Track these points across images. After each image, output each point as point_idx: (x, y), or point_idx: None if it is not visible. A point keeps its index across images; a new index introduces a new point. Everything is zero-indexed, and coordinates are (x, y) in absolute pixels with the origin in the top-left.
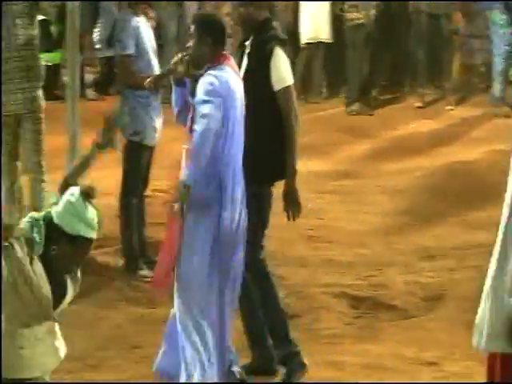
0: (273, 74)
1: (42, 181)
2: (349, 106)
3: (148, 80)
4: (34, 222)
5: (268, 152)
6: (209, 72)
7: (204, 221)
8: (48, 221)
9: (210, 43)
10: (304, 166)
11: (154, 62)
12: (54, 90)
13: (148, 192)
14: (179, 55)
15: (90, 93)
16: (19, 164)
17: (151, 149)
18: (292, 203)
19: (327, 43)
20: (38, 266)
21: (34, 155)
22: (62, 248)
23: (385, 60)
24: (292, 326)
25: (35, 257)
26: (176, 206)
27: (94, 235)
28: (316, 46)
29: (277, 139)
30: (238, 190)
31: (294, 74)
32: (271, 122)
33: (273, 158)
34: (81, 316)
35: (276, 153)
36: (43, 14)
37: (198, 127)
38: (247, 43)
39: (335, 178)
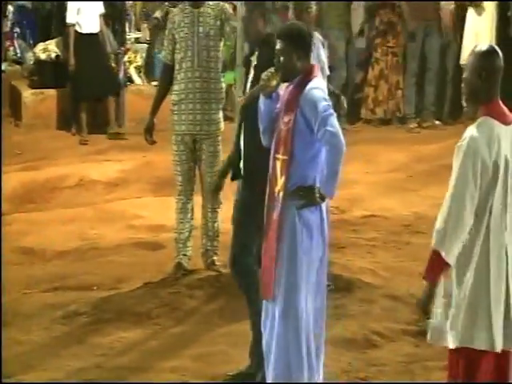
0: None
1: (217, 202)
2: None
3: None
4: None
5: None
6: (314, 85)
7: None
8: None
9: (302, 56)
10: None
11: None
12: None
13: None
14: (271, 69)
15: None
16: (193, 184)
17: None
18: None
19: None
20: None
21: (209, 177)
22: None
23: None
24: None
25: None
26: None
27: None
28: None
29: None
30: None
31: None
32: None
33: None
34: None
35: None
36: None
37: (332, 144)
38: (253, 58)
39: None
